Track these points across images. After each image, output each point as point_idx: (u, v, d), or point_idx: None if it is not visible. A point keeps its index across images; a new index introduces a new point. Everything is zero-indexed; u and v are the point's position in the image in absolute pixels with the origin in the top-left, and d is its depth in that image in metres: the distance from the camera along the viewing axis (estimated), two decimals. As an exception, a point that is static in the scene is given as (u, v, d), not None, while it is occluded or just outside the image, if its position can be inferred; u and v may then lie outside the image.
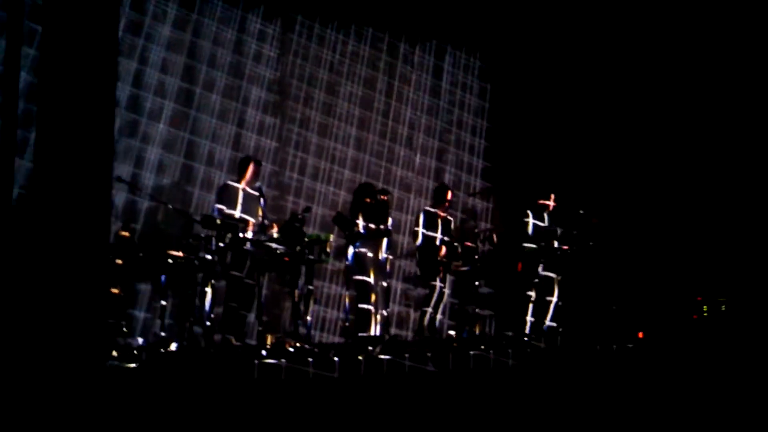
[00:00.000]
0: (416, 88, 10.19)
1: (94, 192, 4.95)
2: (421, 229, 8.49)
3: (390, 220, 8.06)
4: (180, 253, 6.72)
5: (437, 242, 8.46)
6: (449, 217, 8.82)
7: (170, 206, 7.17)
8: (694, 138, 9.74)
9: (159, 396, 5.01)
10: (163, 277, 6.72)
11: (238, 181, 7.52)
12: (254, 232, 7.15)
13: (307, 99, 9.21)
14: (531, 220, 8.88)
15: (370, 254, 7.75)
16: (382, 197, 7.95)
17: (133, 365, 5.23)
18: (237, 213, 7.27)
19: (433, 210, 8.71)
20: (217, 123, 8.49)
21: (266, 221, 7.25)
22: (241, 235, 6.87)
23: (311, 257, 7.09)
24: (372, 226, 7.77)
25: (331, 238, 7.35)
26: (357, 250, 7.73)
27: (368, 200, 7.82)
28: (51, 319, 4.64)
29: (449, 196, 8.78)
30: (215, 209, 7.30)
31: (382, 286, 7.85)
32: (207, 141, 8.39)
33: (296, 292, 7.17)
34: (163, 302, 6.70)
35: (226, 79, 8.60)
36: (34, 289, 4.68)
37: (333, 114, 9.42)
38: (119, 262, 6.44)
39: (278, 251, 6.94)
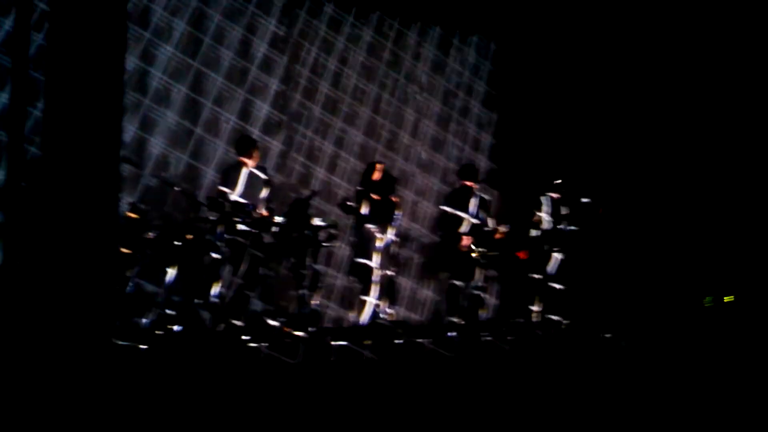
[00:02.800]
0: (423, 70, 10.13)
1: (101, 174, 5.00)
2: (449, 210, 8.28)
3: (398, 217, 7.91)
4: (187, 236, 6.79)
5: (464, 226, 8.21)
6: (484, 196, 8.52)
7: (177, 188, 7.21)
8: (707, 126, 9.69)
9: (164, 377, 5.08)
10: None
11: (240, 162, 7.44)
12: (258, 216, 7.16)
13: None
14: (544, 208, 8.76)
15: (375, 229, 7.66)
16: (392, 198, 7.82)
17: (140, 347, 5.30)
18: (236, 196, 7.19)
19: (466, 186, 8.46)
20: (224, 84, 8.49)
21: (270, 205, 7.29)
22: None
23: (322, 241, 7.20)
24: (376, 196, 7.66)
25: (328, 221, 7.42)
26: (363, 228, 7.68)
27: (376, 197, 7.76)
28: (57, 305, 4.70)
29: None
30: (220, 191, 7.21)
31: (385, 275, 7.72)
32: (212, 104, 8.39)
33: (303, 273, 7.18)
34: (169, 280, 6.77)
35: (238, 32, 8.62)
36: (41, 276, 4.75)
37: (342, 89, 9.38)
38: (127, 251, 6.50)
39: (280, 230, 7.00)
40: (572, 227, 8.65)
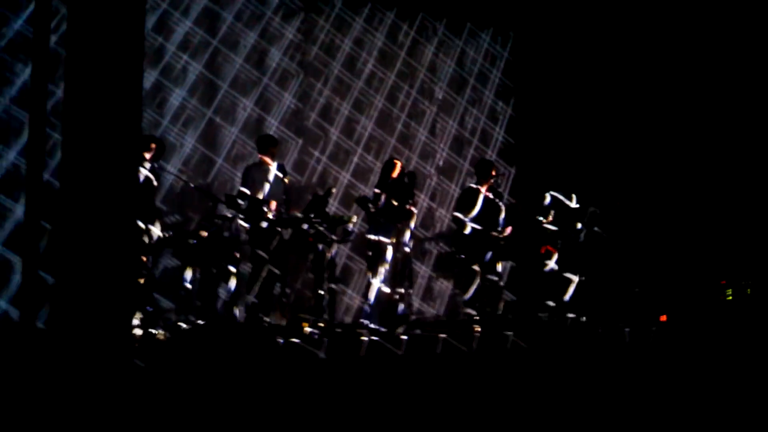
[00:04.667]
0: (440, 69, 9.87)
1: (120, 173, 4.97)
2: (460, 215, 7.98)
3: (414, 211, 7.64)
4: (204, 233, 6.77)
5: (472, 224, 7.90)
6: (495, 199, 8.15)
7: (194, 185, 7.20)
8: (720, 120, 9.60)
9: (183, 374, 5.09)
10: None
11: (262, 160, 7.34)
12: (276, 214, 7.09)
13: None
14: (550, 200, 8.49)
15: (387, 241, 7.48)
16: (410, 206, 7.52)
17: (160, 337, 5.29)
18: (261, 195, 7.14)
19: (475, 187, 8.18)
20: (241, 68, 8.35)
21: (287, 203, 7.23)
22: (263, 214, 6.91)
23: (334, 237, 7.14)
24: (395, 202, 7.44)
25: (354, 219, 7.30)
26: (373, 237, 7.48)
27: (391, 199, 7.54)
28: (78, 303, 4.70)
29: (494, 172, 8.21)
30: (240, 191, 7.16)
31: (400, 293, 7.41)
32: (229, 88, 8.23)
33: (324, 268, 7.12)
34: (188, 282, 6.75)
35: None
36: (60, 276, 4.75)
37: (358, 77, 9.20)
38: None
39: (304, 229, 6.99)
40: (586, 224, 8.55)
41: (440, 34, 9.95)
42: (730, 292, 8.75)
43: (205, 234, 6.67)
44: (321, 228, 6.95)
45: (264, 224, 6.89)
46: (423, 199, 9.43)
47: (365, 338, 6.15)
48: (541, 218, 8.29)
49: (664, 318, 8.51)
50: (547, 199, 8.51)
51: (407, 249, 7.50)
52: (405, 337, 6.36)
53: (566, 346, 7.21)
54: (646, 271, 9.09)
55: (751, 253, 9.12)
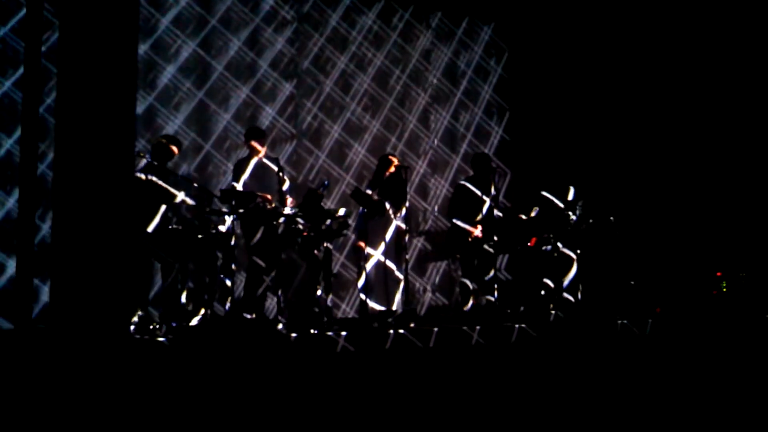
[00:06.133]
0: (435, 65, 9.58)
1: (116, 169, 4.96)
2: (463, 223, 7.69)
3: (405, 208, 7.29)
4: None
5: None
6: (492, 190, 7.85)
7: (190, 181, 7.14)
8: (716, 111, 9.59)
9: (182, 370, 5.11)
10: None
11: (251, 155, 7.05)
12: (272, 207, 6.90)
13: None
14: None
15: (374, 246, 7.20)
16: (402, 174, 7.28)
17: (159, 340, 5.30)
18: (240, 185, 6.93)
19: (471, 187, 7.84)
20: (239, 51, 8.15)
21: (285, 196, 6.93)
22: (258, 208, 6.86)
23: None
24: (388, 206, 7.24)
25: (342, 211, 7.09)
26: (362, 242, 7.20)
27: (383, 198, 7.32)
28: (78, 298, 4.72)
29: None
30: (230, 184, 6.97)
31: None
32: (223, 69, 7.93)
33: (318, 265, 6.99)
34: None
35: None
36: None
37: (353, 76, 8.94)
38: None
39: (299, 225, 6.92)
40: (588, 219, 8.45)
41: (458, 39, 9.80)
42: (725, 284, 8.78)
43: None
44: (300, 224, 6.83)
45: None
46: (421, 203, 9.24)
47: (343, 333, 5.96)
48: (522, 215, 8.10)
49: (658, 310, 8.54)
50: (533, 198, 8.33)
51: (400, 274, 7.21)
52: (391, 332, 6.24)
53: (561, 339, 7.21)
54: (641, 264, 9.10)
55: (745, 245, 9.14)
